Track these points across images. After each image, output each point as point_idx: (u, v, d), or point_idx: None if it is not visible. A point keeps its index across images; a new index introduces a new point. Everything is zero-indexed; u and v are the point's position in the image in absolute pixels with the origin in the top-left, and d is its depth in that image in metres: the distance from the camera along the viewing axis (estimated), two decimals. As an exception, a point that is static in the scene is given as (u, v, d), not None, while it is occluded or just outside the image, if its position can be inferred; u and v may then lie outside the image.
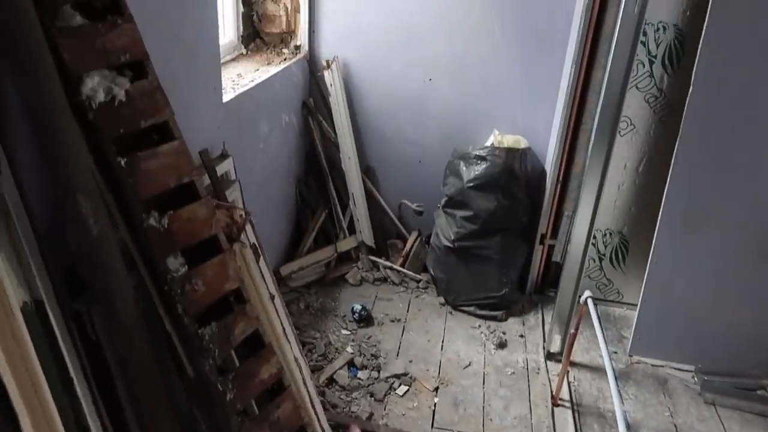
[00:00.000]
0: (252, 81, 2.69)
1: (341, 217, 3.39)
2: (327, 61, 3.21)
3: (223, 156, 2.19)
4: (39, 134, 1.15)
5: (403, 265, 3.39)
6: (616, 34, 2.54)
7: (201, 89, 2.11)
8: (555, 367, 2.80)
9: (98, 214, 1.19)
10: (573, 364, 2.80)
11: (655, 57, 2.73)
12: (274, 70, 2.90)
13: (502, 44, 3.06)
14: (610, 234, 3.12)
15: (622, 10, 2.49)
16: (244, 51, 3.10)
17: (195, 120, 2.05)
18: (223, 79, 2.62)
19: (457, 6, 3.03)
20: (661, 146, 2.83)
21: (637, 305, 2.85)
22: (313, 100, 3.36)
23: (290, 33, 3.26)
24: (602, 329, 2.22)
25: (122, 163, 1.26)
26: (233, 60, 3.00)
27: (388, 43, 3.19)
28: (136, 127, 1.31)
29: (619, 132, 2.83)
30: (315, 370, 2.63)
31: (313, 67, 3.30)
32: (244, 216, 1.68)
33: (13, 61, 1.11)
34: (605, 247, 3.13)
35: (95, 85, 1.24)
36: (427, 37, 3.13)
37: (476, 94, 3.19)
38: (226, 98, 2.37)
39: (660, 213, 2.67)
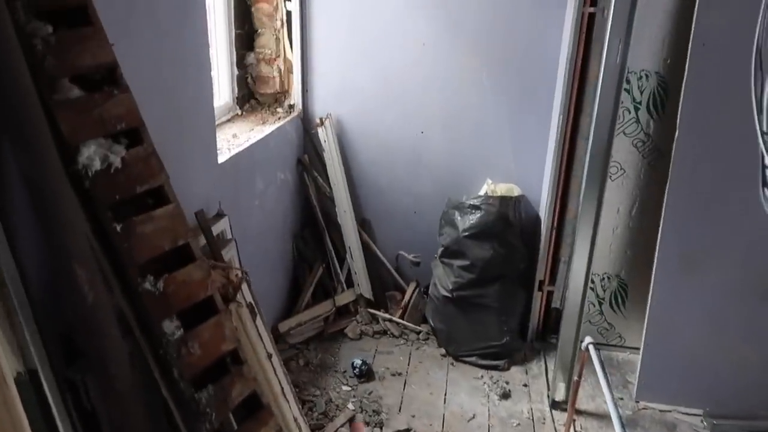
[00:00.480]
0: (247, 141, 2.74)
1: (339, 270, 3.40)
2: (320, 119, 3.28)
3: (219, 215, 2.21)
4: (36, 205, 1.17)
5: (402, 317, 3.37)
6: (600, 83, 2.61)
7: (197, 151, 2.15)
8: (561, 417, 2.75)
9: (94, 281, 1.20)
10: (579, 413, 2.75)
11: (640, 103, 2.80)
12: (268, 129, 2.96)
13: (491, 95, 3.13)
14: (608, 278, 3.12)
15: (604, 60, 2.58)
16: (239, 112, 3.17)
17: (191, 181, 2.08)
18: (218, 140, 2.68)
19: (445, 60, 3.13)
20: (653, 189, 2.86)
21: (640, 349, 2.82)
22: (308, 156, 3.41)
23: (284, 93, 3.34)
24: (606, 375, 2.20)
25: (118, 228, 1.28)
26: (229, 121, 3.06)
27: (379, 98, 3.26)
28: (131, 193, 1.33)
29: (610, 177, 2.87)
30: (316, 429, 2.58)
31: (307, 125, 3.37)
32: (239, 275, 1.68)
33: (12, 135, 1.14)
34: (604, 291, 3.12)
35: (91, 154, 1.27)
36: (418, 91, 3.22)
37: (468, 145, 3.25)
38: (221, 159, 2.41)
39: (656, 255, 2.68)
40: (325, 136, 3.28)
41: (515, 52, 3.03)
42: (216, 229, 2.10)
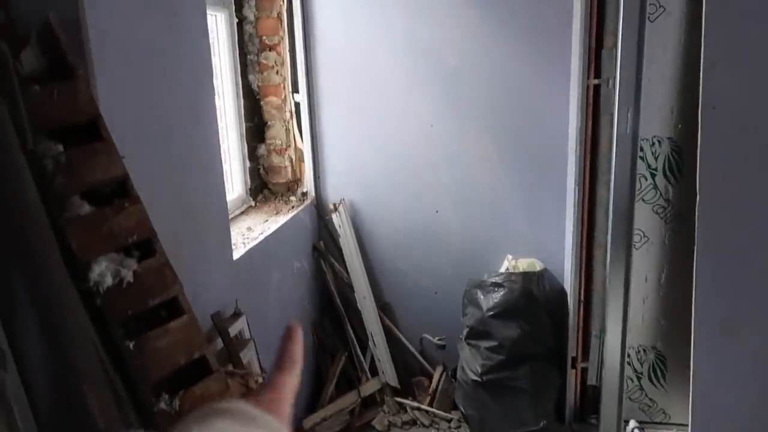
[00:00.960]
0: (261, 234, 2.73)
1: (362, 358, 3.29)
2: (334, 204, 3.28)
3: (236, 315, 2.17)
4: (45, 327, 1.14)
5: (431, 405, 3.23)
6: (614, 153, 2.61)
7: (212, 251, 2.13)
8: (610, 508, 2.55)
9: (105, 406, 1.14)
10: (629, 502, 2.56)
11: (656, 170, 2.76)
12: (282, 219, 2.95)
13: (503, 170, 3.13)
14: (644, 350, 2.98)
15: (615, 129, 2.58)
16: (252, 203, 3.18)
17: (207, 282, 2.05)
18: (232, 235, 2.67)
19: (453, 138, 3.15)
20: (680, 255, 2.78)
21: (687, 426, 2.65)
22: (324, 242, 3.39)
23: (296, 181, 3.37)
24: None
25: (131, 346, 1.23)
26: (242, 213, 3.07)
27: (391, 181, 3.27)
28: (144, 307, 1.30)
29: (634, 245, 2.80)
30: None
31: (321, 211, 3.37)
32: (259, 382, 1.61)
33: (20, 257, 1.12)
34: (641, 365, 2.98)
35: (103, 270, 1.24)
36: (429, 171, 3.22)
37: (484, 221, 3.21)
38: (236, 255, 2.38)
39: (693, 323, 2.56)
40: (340, 221, 3.26)
41: (523, 127, 3.05)
42: (233, 329, 2.04)
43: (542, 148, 3.04)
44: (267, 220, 2.96)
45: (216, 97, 2.92)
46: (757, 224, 2.44)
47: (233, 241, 2.56)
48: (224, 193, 2.23)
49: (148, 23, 1.70)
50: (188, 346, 1.33)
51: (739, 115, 2.34)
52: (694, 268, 2.56)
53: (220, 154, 2.18)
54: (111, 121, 1.50)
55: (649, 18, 2.37)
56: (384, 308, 3.43)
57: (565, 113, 2.92)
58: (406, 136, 3.20)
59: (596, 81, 2.66)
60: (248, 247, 2.53)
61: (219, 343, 1.86)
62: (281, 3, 3.10)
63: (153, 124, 1.74)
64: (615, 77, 2.51)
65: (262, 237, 2.68)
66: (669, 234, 2.84)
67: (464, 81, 3.08)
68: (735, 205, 2.44)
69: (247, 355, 2.04)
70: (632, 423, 2.22)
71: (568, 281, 3.06)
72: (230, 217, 2.95)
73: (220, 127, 3.01)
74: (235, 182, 3.13)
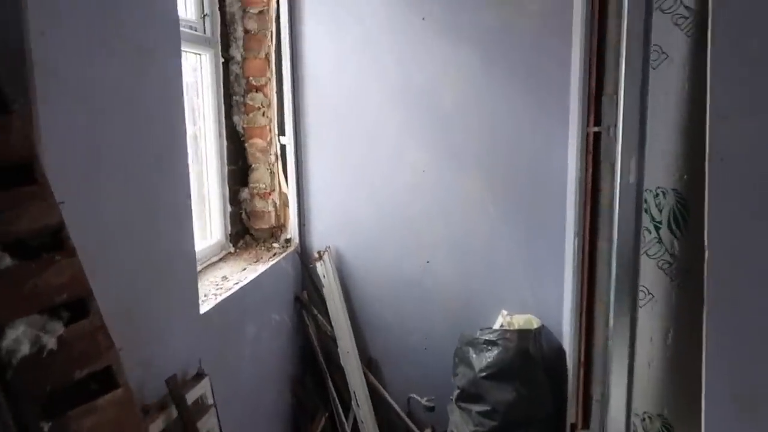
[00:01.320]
0: (237, 283, 2.54)
1: (344, 420, 3.06)
2: (319, 252, 3.11)
3: (199, 376, 1.97)
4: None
5: (418, 473, 2.99)
6: (616, 205, 2.46)
7: (174, 305, 1.95)
8: None
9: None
10: None
11: (661, 222, 2.60)
12: (262, 267, 2.78)
13: (498, 220, 2.97)
14: (650, 418, 2.76)
15: (618, 179, 2.43)
16: (232, 249, 3.01)
17: (166, 340, 1.86)
18: (206, 284, 2.50)
19: (447, 186, 3.01)
20: (686, 314, 2.59)
21: (698, 506, 2.41)
22: (307, 292, 3.21)
23: (280, 227, 3.21)
24: None
25: (45, 428, 1.04)
26: (220, 260, 2.90)
27: (380, 229, 3.11)
28: (68, 379, 1.11)
29: (639, 303, 2.62)
30: None
31: (304, 259, 3.19)
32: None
33: None
34: (647, 434, 2.76)
35: (19, 336, 1.06)
36: (421, 220, 3.07)
37: (478, 274, 3.04)
38: (205, 308, 2.20)
39: (703, 397, 2.36)
40: (324, 270, 3.09)
41: (520, 176, 2.91)
42: (193, 394, 1.84)
43: (541, 197, 2.89)
44: (245, 269, 2.78)
45: (193, 138, 2.81)
46: None
47: (204, 292, 2.39)
48: (192, 242, 2.06)
49: (109, 59, 1.56)
50: (120, 428, 1.14)
51: (749, 167, 2.20)
52: (704, 331, 2.37)
53: (188, 200, 2.02)
54: (57, 163, 1.35)
55: (651, 65, 2.25)
56: (369, 364, 3.22)
57: (564, 161, 2.79)
58: (397, 183, 3.06)
59: (596, 128, 2.53)
60: (220, 298, 2.35)
61: (174, 412, 1.66)
62: (269, 43, 3.00)
63: (110, 167, 1.58)
64: (617, 125, 2.38)
65: (237, 287, 2.49)
66: (675, 291, 2.66)
67: (459, 126, 2.95)
68: (748, 262, 2.27)
69: (207, 424, 1.83)
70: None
71: (568, 340, 2.87)
72: (206, 264, 2.79)
73: (200, 170, 2.89)
74: (214, 227, 2.96)
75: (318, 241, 3.19)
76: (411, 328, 3.17)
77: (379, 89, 3.00)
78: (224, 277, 2.64)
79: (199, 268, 2.72)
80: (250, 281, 2.60)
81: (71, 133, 1.43)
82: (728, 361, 2.31)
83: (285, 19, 2.95)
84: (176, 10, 1.91)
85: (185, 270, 2.04)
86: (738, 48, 2.10)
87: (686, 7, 2.13)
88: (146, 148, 1.75)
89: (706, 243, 2.32)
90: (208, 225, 2.96)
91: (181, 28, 2.60)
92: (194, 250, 2.08)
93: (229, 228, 3.02)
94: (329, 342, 3.15)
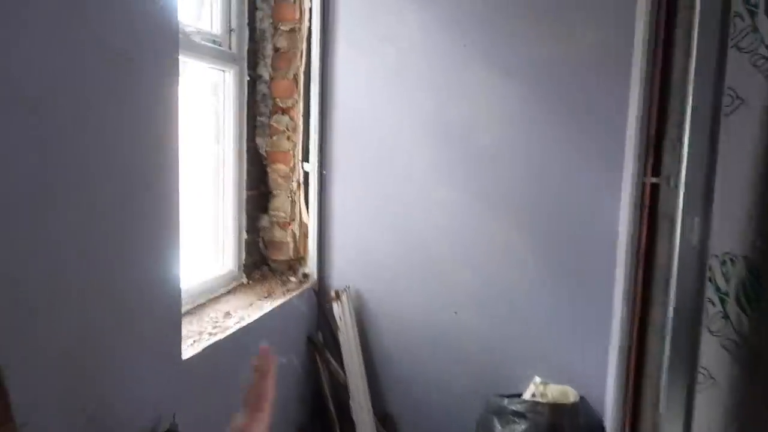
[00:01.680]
0: (239, 322, 2.32)
1: (350, 480, 2.78)
2: (336, 292, 2.86)
3: (168, 434, 1.74)
4: None
5: None
6: (674, 270, 2.12)
7: (147, 350, 1.73)
8: None
9: None
10: None
11: (727, 294, 2.22)
12: (270, 305, 2.55)
13: (538, 275, 2.65)
14: None
15: (678, 240, 2.09)
16: (244, 281, 2.81)
17: (130, 392, 1.64)
18: (203, 321, 2.30)
19: (482, 233, 2.72)
20: (757, 407, 2.19)
21: None
22: (322, 334, 2.96)
23: (298, 260, 2.99)
24: None
25: None
26: (229, 293, 2.70)
27: (407, 272, 2.84)
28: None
29: (697, 387, 2.24)
30: None
31: (321, 298, 2.95)
32: None
33: None
34: None
35: None
36: (451, 267, 2.78)
37: (512, 333, 2.71)
38: (190, 353, 1.98)
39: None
40: (341, 312, 2.84)
41: (565, 227, 2.58)
42: (153, 457, 1.61)
43: (587, 253, 2.55)
44: (252, 304, 2.57)
45: (213, 159, 2.63)
46: None
47: (198, 330, 2.18)
48: (177, 274, 1.85)
49: (75, 65, 1.38)
50: None
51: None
52: (774, 428, 1.99)
53: (175, 228, 1.82)
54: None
55: (723, 110, 1.91)
56: (385, 420, 2.93)
57: (615, 214, 2.44)
58: (425, 223, 2.79)
59: (655, 179, 2.19)
60: (213, 340, 2.13)
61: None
62: (299, 63, 2.82)
63: (67, 188, 1.39)
64: (679, 177, 2.04)
65: (237, 327, 2.27)
66: (742, 377, 2.26)
67: (497, 167, 2.66)
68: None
69: (164, 496, 1.60)
70: None
71: (609, 417, 2.50)
72: (212, 297, 2.59)
73: (217, 194, 2.72)
74: (227, 256, 2.78)
75: (337, 278, 2.95)
76: (433, 385, 2.86)
77: (413, 119, 2.75)
78: (227, 313, 2.43)
79: (202, 301, 2.53)
80: (255, 320, 2.38)
81: (19, 147, 1.25)
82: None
83: (316, 39, 2.76)
84: (175, 16, 1.73)
85: (165, 308, 1.82)
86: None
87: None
88: (120, 167, 1.56)
89: (782, 325, 1.94)
90: (222, 253, 2.78)
91: (202, 42, 2.46)
92: (179, 285, 1.87)
93: (244, 257, 2.83)
94: (342, 390, 2.89)
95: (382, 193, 2.83)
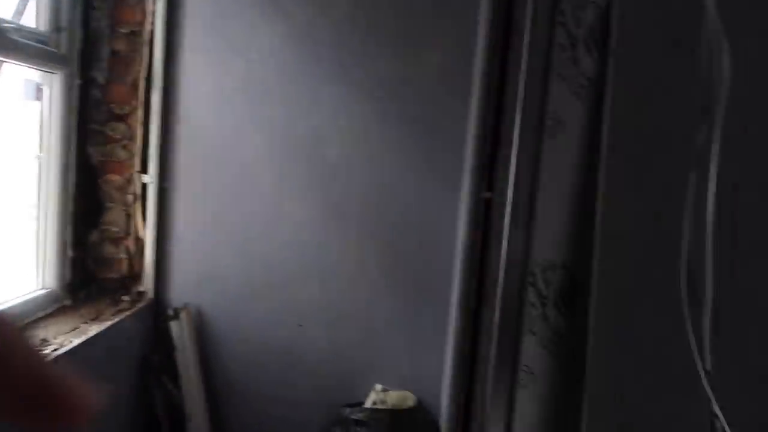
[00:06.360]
0: (57, 349, 1.91)
1: None
2: (176, 310, 2.52)
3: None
4: None
5: None
6: (501, 277, 2.14)
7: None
8: None
9: None
10: None
11: (547, 298, 2.31)
12: (97, 328, 2.15)
13: (381, 287, 2.56)
14: None
15: (504, 249, 2.13)
16: (69, 302, 2.36)
17: None
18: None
19: (327, 247, 2.56)
20: (569, 400, 2.28)
21: None
22: (159, 356, 2.58)
23: (133, 277, 2.59)
24: None
25: None
26: (49, 316, 2.24)
27: (251, 288, 2.59)
28: None
29: (520, 383, 2.28)
30: None
31: (158, 318, 2.58)
32: None
33: None
34: None
35: None
36: (297, 280, 2.59)
37: (355, 342, 2.58)
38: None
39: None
40: (180, 331, 2.50)
41: (407, 239, 2.53)
42: None
43: (428, 262, 2.52)
44: (76, 328, 2.14)
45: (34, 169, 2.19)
46: (653, 366, 2.01)
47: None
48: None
49: None
50: None
51: (643, 251, 1.95)
52: (583, 418, 2.07)
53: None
54: None
55: (547, 132, 1.99)
56: (226, 440, 2.62)
57: (453, 227, 2.44)
58: (272, 238, 2.58)
59: (488, 194, 2.22)
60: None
61: None
62: (139, 69, 2.48)
63: None
64: (507, 193, 2.08)
65: (54, 355, 1.86)
66: (558, 372, 2.35)
67: (344, 181, 2.55)
68: (634, 351, 2.01)
69: None
70: None
71: (444, 420, 2.46)
72: (27, 321, 2.12)
73: (38, 207, 2.26)
74: (47, 275, 2.32)
75: (178, 295, 2.61)
76: (277, 400, 2.62)
77: (262, 133, 2.55)
78: (43, 340, 1.99)
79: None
80: (77, 345, 1.98)
81: None
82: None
83: (159, 44, 2.45)
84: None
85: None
86: (633, 122, 1.89)
87: (585, 77, 1.89)
88: None
89: (591, 325, 2.04)
90: (42, 272, 2.31)
91: (23, 40, 2.05)
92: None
93: (69, 276, 2.38)
94: (180, 413, 2.53)
95: (227, 207, 2.57)
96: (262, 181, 2.57)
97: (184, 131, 2.56)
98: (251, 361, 2.61)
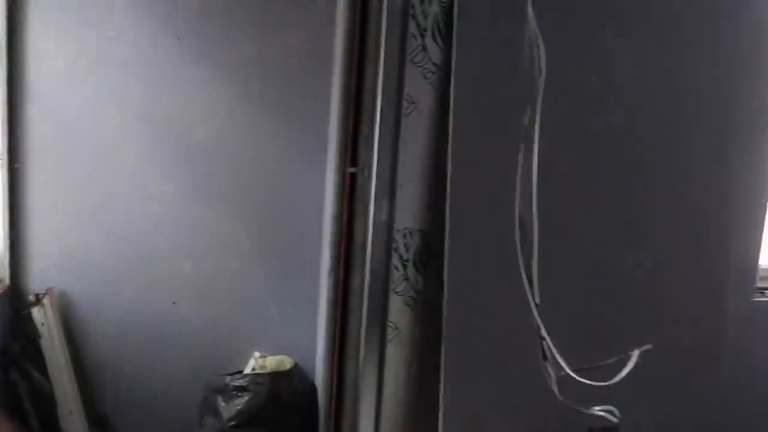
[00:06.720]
0: None
1: (63, 496, 2.38)
2: (37, 295, 2.42)
3: None
4: None
5: None
6: (369, 244, 2.36)
7: None
8: None
9: None
10: None
11: (408, 261, 2.57)
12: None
13: (254, 259, 2.66)
14: (395, 447, 2.67)
15: (371, 220, 2.34)
16: None
17: None
18: None
19: (197, 223, 2.60)
20: (429, 349, 2.58)
21: None
22: (21, 344, 2.46)
23: (-16, 264, 2.43)
24: None
25: None
26: None
27: (120, 268, 2.56)
28: None
29: (388, 338, 2.53)
30: None
31: (17, 304, 2.46)
32: None
33: None
34: (392, 464, 2.66)
35: None
36: (169, 258, 2.60)
37: (230, 315, 2.67)
38: None
39: (440, 418, 2.35)
40: (44, 317, 2.40)
41: (277, 212, 2.65)
42: None
43: (298, 234, 2.67)
44: None
45: None
46: (503, 332, 2.34)
47: None
48: None
49: None
50: None
51: (485, 215, 2.27)
52: (442, 362, 2.38)
53: None
54: None
55: (403, 112, 2.22)
56: (100, 422, 2.59)
57: (321, 200, 2.60)
58: (140, 217, 2.55)
59: (353, 169, 2.41)
60: None
61: None
62: (-21, 41, 2.29)
63: None
64: (371, 167, 2.29)
65: None
66: (419, 326, 2.64)
67: (212, 158, 2.58)
68: (483, 307, 2.34)
69: None
70: None
71: (320, 378, 2.65)
72: None
73: None
74: None
75: (40, 281, 2.49)
76: (152, 378, 2.63)
77: (122, 112, 2.49)
78: None
79: None
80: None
81: None
82: (462, 390, 2.34)
83: (1, 20, 2.28)
84: None
85: None
86: (475, 105, 2.18)
87: (434, 63, 2.14)
88: None
89: (445, 281, 2.34)
90: None
91: None
92: None
93: None
94: (49, 401, 2.45)
95: (90, 187, 2.50)
96: (126, 161, 2.52)
97: (34, 110, 2.42)
98: (124, 341, 2.58)
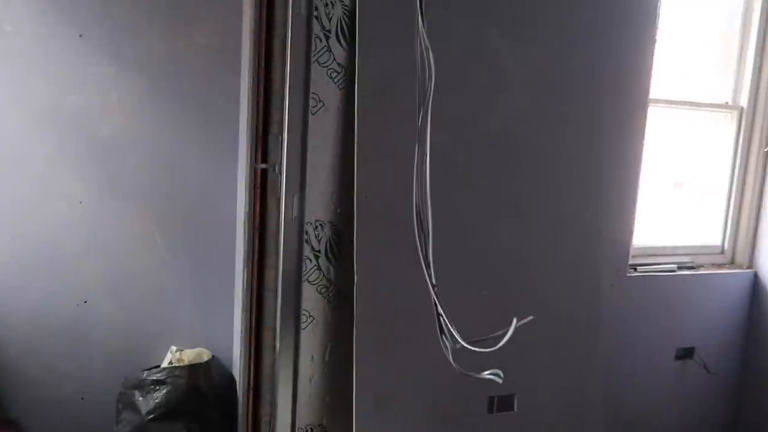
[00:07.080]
0: None
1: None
2: (-66, 301, 2.32)
3: None
4: None
5: None
6: (281, 238, 2.46)
7: None
8: None
9: None
10: None
11: (319, 251, 2.69)
12: None
13: (168, 256, 2.68)
14: (311, 428, 2.79)
15: (283, 214, 2.44)
16: None
17: None
18: None
19: (109, 221, 2.59)
20: (341, 333, 2.73)
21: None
22: None
23: None
24: None
25: None
26: None
27: (26, 270, 2.51)
28: None
29: (302, 326, 2.64)
30: None
31: None
32: None
33: None
34: (310, 444, 2.78)
35: None
36: (79, 257, 2.57)
37: (145, 311, 2.68)
38: None
39: (354, 398, 2.49)
40: (-57, 322, 2.32)
41: (190, 209, 2.69)
42: None
43: (212, 230, 2.71)
44: None
45: None
46: (409, 311, 2.51)
47: None
48: None
49: None
50: None
51: (388, 206, 2.43)
52: (354, 344, 2.52)
53: None
54: None
55: (311, 111, 2.33)
56: (9, 427, 2.52)
57: (234, 195, 2.67)
58: (47, 217, 2.51)
59: (263, 165, 2.49)
60: None
61: None
62: None
63: None
64: (281, 164, 2.38)
65: None
66: (331, 312, 2.77)
67: (121, 156, 2.58)
68: (389, 290, 2.50)
69: None
70: None
71: (237, 368, 2.72)
72: None
73: None
74: None
75: (-66, 286, 2.39)
76: (65, 378, 2.60)
77: (24, 111, 2.43)
78: None
79: None
80: None
81: None
82: (372, 370, 2.50)
83: None
84: None
85: None
86: (377, 104, 2.32)
87: (338, 64, 2.26)
88: None
89: (355, 268, 2.48)
90: None
91: None
92: None
93: None
94: (-51, 410, 2.37)
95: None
96: (32, 160, 2.47)
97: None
98: (34, 343, 2.53)
